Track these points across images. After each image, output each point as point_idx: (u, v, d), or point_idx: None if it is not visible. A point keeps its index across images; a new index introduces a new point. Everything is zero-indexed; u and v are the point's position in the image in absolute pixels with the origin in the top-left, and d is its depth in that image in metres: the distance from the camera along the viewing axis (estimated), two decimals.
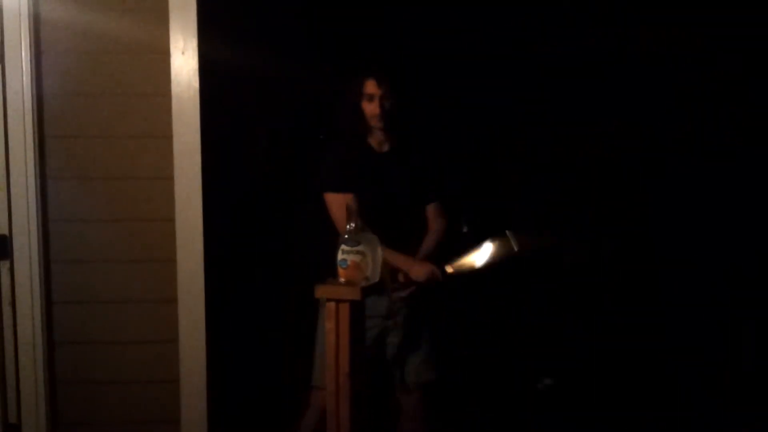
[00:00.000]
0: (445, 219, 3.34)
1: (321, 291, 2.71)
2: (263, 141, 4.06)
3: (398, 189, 3.27)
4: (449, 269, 3.17)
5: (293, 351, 3.87)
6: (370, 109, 3.23)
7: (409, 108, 3.29)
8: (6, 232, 3.19)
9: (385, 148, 3.33)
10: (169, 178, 3.22)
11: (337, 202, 3.22)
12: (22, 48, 3.14)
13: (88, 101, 3.22)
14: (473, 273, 3.20)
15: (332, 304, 2.69)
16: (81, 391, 3.29)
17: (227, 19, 3.49)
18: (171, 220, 3.23)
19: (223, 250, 3.44)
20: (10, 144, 3.16)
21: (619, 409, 4.03)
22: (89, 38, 3.20)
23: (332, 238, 2.83)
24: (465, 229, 3.60)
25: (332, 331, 2.69)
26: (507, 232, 3.23)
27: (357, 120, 3.27)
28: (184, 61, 3.19)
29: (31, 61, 3.15)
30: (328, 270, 2.79)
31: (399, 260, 3.17)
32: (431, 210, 3.33)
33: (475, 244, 3.46)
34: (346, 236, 2.69)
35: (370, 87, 3.23)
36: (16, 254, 3.19)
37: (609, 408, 4.04)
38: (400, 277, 3.18)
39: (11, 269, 3.20)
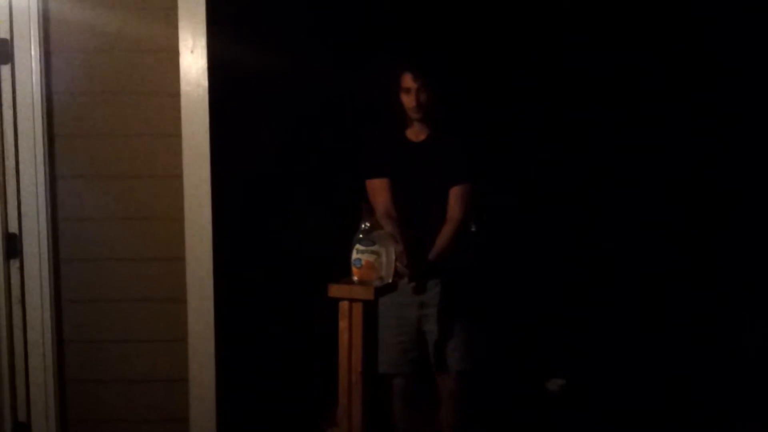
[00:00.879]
0: (465, 207, 3.31)
1: (334, 291, 2.72)
2: (273, 139, 4.06)
3: (429, 175, 3.31)
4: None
5: (303, 350, 3.88)
6: (408, 101, 3.30)
7: (445, 100, 3.33)
8: (16, 230, 3.19)
9: (422, 137, 3.38)
10: (178, 177, 3.22)
11: (375, 187, 3.34)
12: (32, 47, 3.14)
13: (97, 100, 3.22)
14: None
15: (345, 304, 2.70)
16: (90, 390, 3.30)
17: (236, 18, 3.49)
18: (180, 218, 3.23)
19: (233, 249, 3.44)
20: (20, 143, 3.17)
21: (630, 410, 4.04)
22: (98, 37, 3.20)
23: (345, 236, 2.84)
24: (474, 228, 3.59)
25: (345, 330, 2.70)
26: None
27: (396, 111, 3.34)
28: (193, 60, 3.19)
29: (40, 60, 3.15)
30: (339, 269, 2.80)
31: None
32: (452, 195, 3.30)
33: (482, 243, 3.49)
34: (361, 236, 2.70)
35: (407, 81, 3.29)
36: (26, 253, 3.20)
37: (619, 409, 4.05)
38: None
39: (21, 268, 3.21)
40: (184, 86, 3.20)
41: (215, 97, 3.21)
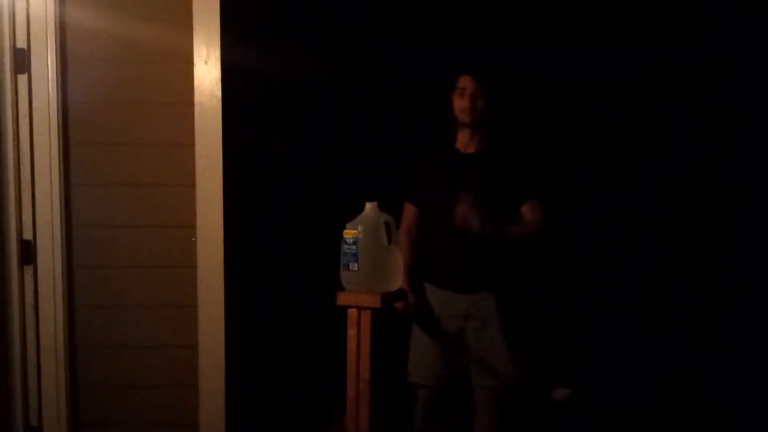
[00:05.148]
0: (542, 212, 3.28)
1: (342, 299, 2.74)
2: (285, 147, 4.10)
3: (484, 191, 3.23)
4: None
5: (312, 355, 3.90)
6: (460, 103, 3.27)
7: (501, 110, 3.33)
8: (30, 237, 3.23)
9: (470, 149, 3.35)
10: (191, 185, 3.26)
11: (409, 214, 3.39)
12: (48, 56, 3.19)
13: (112, 109, 3.27)
14: None
15: (354, 312, 2.72)
16: (102, 395, 3.33)
17: (250, 28, 3.53)
18: (192, 226, 3.27)
19: (244, 256, 3.47)
20: (36, 151, 3.21)
21: (631, 410, 4.03)
22: (114, 47, 3.25)
23: None
24: None
25: (353, 338, 2.72)
26: None
27: (446, 117, 3.32)
28: (206, 71, 3.24)
29: (56, 69, 3.20)
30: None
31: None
32: (526, 211, 3.29)
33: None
34: None
35: (464, 81, 3.27)
36: (40, 259, 3.24)
37: (621, 410, 4.04)
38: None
39: (35, 274, 3.24)
40: (198, 96, 3.24)
41: (228, 107, 3.26)
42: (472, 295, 3.30)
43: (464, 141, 3.35)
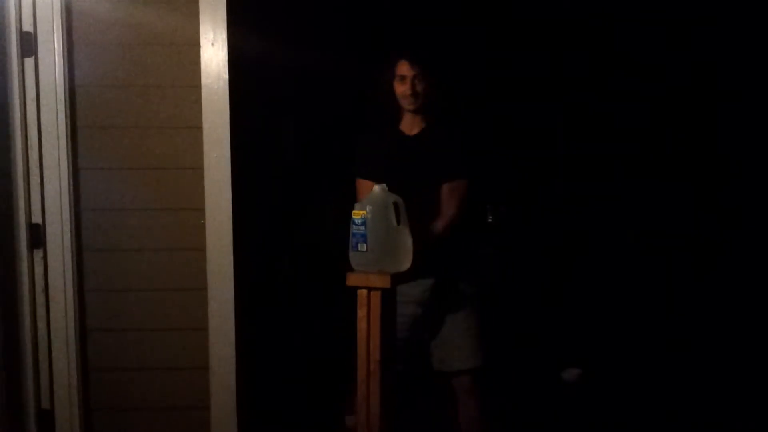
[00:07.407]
0: (459, 202, 3.19)
1: (352, 279, 2.73)
2: (293, 130, 4.09)
3: (420, 171, 3.20)
4: None
5: (322, 338, 3.91)
6: (401, 90, 3.20)
7: (443, 91, 3.25)
8: (39, 221, 3.24)
9: (415, 131, 3.28)
10: (199, 168, 3.27)
11: (360, 187, 3.26)
12: (55, 40, 3.19)
13: (119, 92, 3.27)
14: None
15: (364, 292, 2.71)
16: (113, 378, 3.34)
17: (256, 10, 3.52)
18: (201, 209, 3.27)
19: (253, 239, 3.47)
20: (43, 134, 3.22)
21: (647, 402, 4.04)
22: (120, 30, 3.25)
23: None
24: (490, 219, 3.59)
25: (364, 318, 2.72)
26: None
27: (390, 102, 3.26)
28: (213, 53, 3.23)
29: (63, 52, 3.20)
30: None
31: None
32: (444, 191, 3.20)
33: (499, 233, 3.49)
34: None
35: (403, 68, 3.19)
36: (49, 243, 3.25)
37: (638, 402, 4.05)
38: None
39: (44, 258, 3.25)
40: (205, 79, 3.24)
41: (236, 90, 3.25)
42: (425, 281, 3.19)
43: (408, 123, 3.29)
